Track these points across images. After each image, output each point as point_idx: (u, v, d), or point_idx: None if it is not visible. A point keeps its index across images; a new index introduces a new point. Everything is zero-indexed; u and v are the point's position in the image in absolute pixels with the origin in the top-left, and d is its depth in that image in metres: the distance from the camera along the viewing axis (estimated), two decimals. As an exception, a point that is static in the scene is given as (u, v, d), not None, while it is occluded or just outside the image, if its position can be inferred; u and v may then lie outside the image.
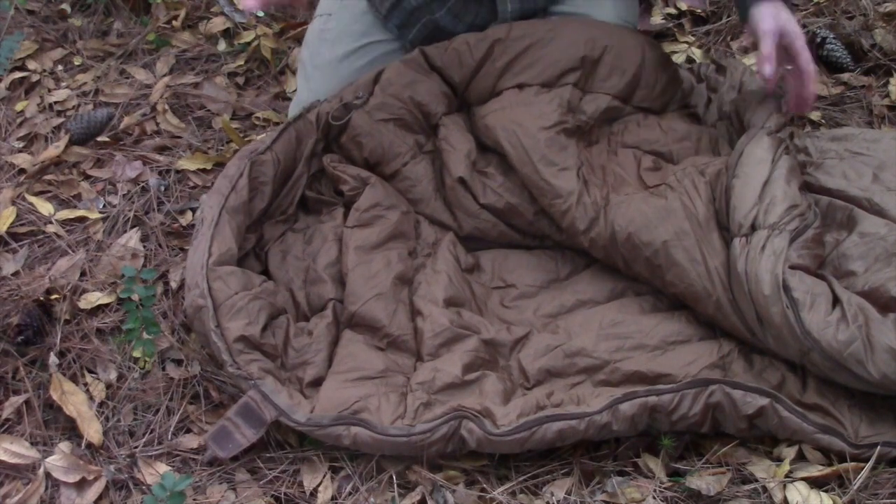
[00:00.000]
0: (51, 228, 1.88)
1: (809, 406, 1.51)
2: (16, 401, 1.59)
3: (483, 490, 1.48)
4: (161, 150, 2.07)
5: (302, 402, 1.53)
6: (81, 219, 1.91)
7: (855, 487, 1.42)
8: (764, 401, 1.47)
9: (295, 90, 2.02)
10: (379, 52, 1.91)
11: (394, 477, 1.49)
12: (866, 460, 1.45)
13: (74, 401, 1.58)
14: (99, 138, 2.08)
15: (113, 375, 1.65)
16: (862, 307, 1.48)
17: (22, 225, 1.89)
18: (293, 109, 1.95)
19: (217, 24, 2.36)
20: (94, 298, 1.74)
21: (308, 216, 1.84)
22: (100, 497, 1.48)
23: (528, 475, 1.50)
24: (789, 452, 1.49)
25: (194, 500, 1.47)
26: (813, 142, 1.83)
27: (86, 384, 1.63)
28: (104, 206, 1.94)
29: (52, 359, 1.65)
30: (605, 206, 1.70)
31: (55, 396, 1.58)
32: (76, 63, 2.28)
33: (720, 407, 1.49)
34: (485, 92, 1.85)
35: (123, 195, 1.95)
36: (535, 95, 1.80)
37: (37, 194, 1.96)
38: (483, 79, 1.84)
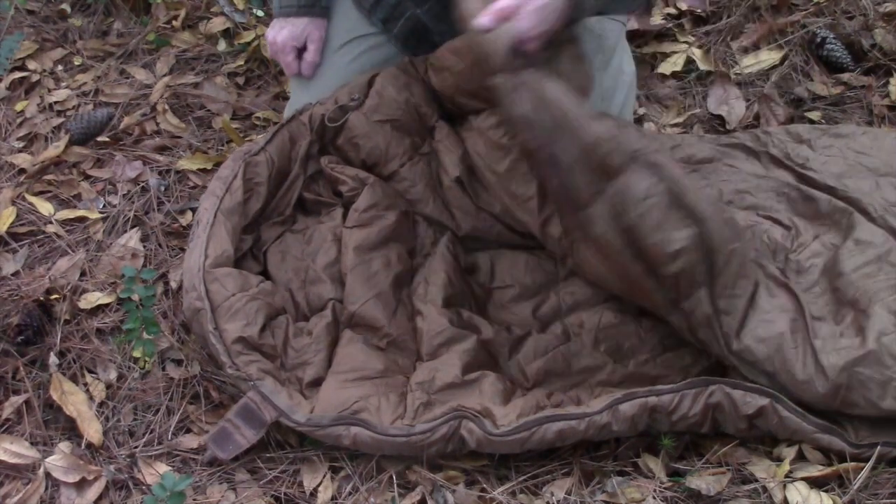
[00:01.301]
0: (51, 228, 1.88)
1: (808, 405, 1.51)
2: (16, 401, 1.59)
3: (483, 490, 1.48)
4: (161, 150, 2.07)
5: (302, 402, 1.53)
6: (81, 219, 1.91)
7: (855, 487, 1.42)
8: (764, 401, 1.47)
9: (294, 90, 2.02)
10: (367, 46, 1.91)
11: (394, 477, 1.49)
12: (866, 460, 1.45)
13: (74, 400, 1.58)
14: (99, 138, 2.08)
15: (113, 375, 1.64)
16: None
17: (22, 225, 1.89)
18: (289, 110, 1.95)
19: (217, 24, 2.36)
20: (93, 298, 1.74)
21: (307, 217, 1.84)
22: (100, 497, 1.48)
23: (528, 475, 1.50)
24: (789, 452, 1.49)
25: (194, 500, 1.47)
26: (814, 135, 1.82)
27: (86, 384, 1.63)
28: (104, 206, 1.94)
29: (53, 359, 1.65)
30: (570, 248, 1.68)
31: (55, 396, 1.58)
32: (76, 63, 2.28)
33: (720, 407, 1.48)
34: (465, 108, 1.83)
35: (123, 195, 1.95)
36: (496, 126, 1.74)
37: (37, 194, 1.96)
38: (458, 97, 1.82)
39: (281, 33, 1.88)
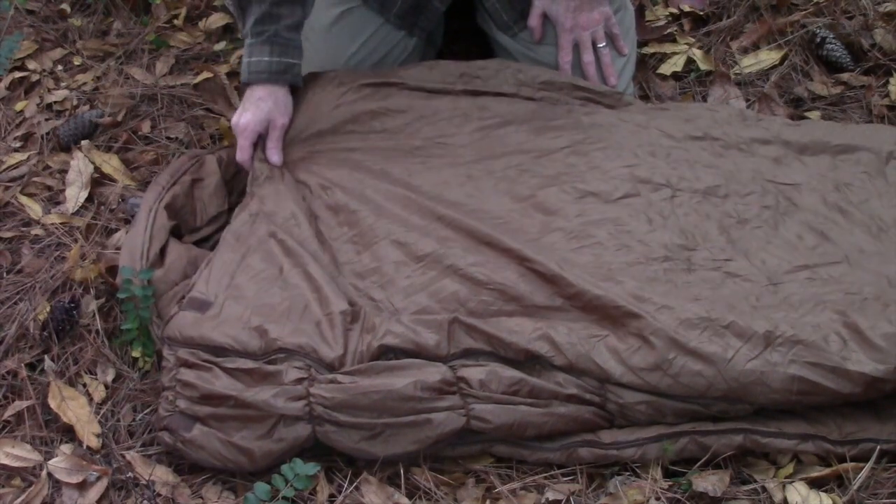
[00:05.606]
0: (46, 229, 1.88)
1: (786, 414, 1.48)
2: (18, 404, 1.60)
3: (487, 489, 1.48)
4: (159, 150, 2.06)
5: None
6: (77, 219, 1.91)
7: (855, 487, 1.42)
8: (739, 438, 1.46)
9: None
10: (366, 18, 1.92)
11: (394, 477, 1.49)
12: (856, 457, 1.45)
13: (73, 405, 1.58)
14: (96, 138, 2.08)
15: (112, 376, 1.65)
16: None
17: (15, 226, 1.89)
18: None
19: (216, 20, 2.35)
20: (91, 299, 1.74)
21: None
22: (100, 497, 1.48)
23: (530, 474, 1.50)
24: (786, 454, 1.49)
25: (192, 500, 1.47)
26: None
27: (84, 385, 1.63)
28: (100, 206, 1.94)
29: (49, 363, 1.65)
30: None
31: (53, 405, 1.58)
32: (76, 63, 2.28)
33: (695, 455, 1.47)
34: None
35: (120, 195, 1.95)
36: None
37: (31, 195, 1.96)
38: None
39: (244, 116, 1.79)
